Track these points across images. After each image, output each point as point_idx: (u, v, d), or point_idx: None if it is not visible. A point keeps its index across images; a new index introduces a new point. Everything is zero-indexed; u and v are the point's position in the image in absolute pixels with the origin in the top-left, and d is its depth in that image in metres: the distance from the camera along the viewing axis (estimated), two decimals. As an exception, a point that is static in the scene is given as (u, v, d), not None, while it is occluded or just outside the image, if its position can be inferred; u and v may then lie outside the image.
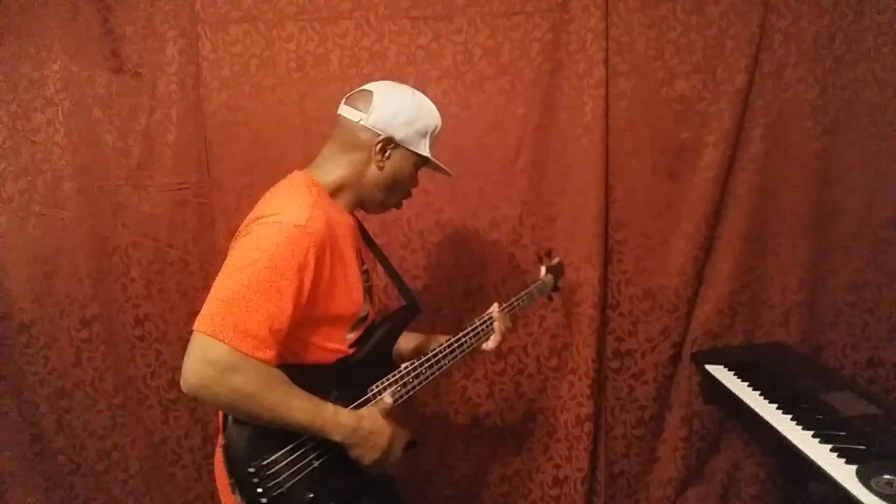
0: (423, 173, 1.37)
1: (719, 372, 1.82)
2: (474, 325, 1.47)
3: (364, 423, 1.16)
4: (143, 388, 2.00)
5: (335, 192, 1.26)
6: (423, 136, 1.29)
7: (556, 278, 1.77)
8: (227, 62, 1.88)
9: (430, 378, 1.36)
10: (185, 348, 1.04)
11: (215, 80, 1.88)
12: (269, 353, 1.07)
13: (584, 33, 1.85)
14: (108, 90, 1.88)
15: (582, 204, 1.91)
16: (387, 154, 1.26)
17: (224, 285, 1.07)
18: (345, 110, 1.28)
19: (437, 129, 1.33)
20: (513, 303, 1.56)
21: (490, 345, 1.47)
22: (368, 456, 1.17)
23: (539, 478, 2.09)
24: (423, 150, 1.30)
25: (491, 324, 1.48)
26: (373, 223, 1.95)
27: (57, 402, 1.97)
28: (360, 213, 1.38)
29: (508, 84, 1.90)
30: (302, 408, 1.10)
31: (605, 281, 1.96)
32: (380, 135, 1.24)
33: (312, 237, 1.11)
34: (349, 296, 1.24)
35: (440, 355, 1.37)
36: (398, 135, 1.25)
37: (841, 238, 1.91)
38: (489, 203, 1.95)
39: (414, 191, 1.95)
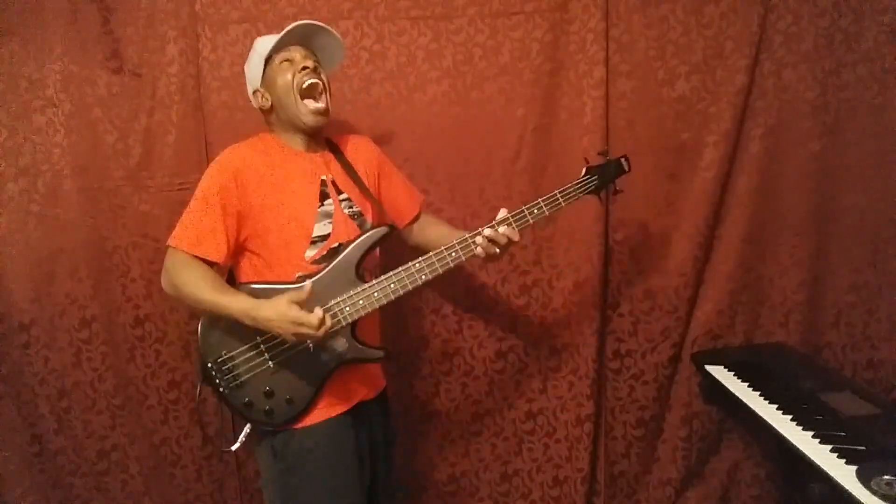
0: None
1: (719, 372, 1.82)
2: (463, 238, 1.44)
3: (261, 312, 1.33)
4: (143, 389, 2.00)
5: (286, 141, 1.53)
6: (259, 63, 1.51)
7: (608, 179, 1.52)
8: (227, 62, 1.88)
9: (402, 288, 1.42)
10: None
11: (215, 80, 1.88)
12: (204, 250, 1.40)
13: (584, 33, 1.85)
14: (108, 90, 1.88)
15: (582, 204, 1.90)
16: (260, 97, 1.53)
17: (183, 214, 1.44)
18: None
19: (260, 44, 1.53)
20: (523, 211, 1.46)
21: (480, 251, 1.45)
22: (285, 337, 1.35)
23: (539, 478, 2.09)
24: (261, 65, 1.50)
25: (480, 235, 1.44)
26: (373, 223, 1.95)
27: (57, 403, 1.96)
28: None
29: (508, 84, 1.90)
30: (211, 297, 1.37)
31: (605, 281, 1.96)
32: (252, 100, 1.57)
33: (232, 165, 1.44)
34: (292, 214, 1.45)
35: (412, 268, 1.43)
36: (252, 86, 1.55)
37: (841, 238, 1.91)
38: (489, 203, 1.95)
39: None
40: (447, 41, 1.88)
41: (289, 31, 1.49)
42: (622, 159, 1.54)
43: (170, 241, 1.42)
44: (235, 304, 1.37)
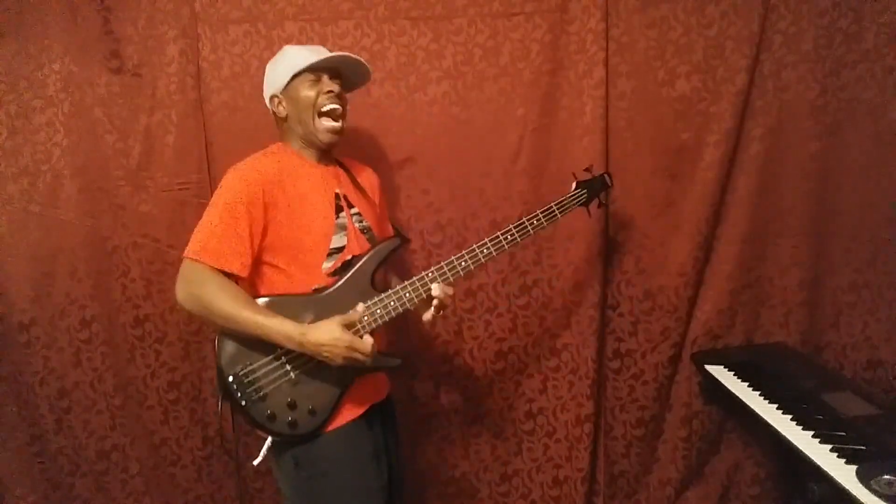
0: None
1: (719, 372, 1.82)
2: (472, 249, 1.52)
3: (309, 337, 1.32)
4: (143, 389, 2.00)
5: (300, 151, 1.52)
6: (286, 73, 1.49)
7: (595, 193, 1.66)
8: (227, 62, 1.88)
9: (417, 297, 1.46)
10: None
11: (215, 80, 1.88)
12: (232, 266, 1.36)
13: (584, 34, 1.85)
14: (108, 90, 1.88)
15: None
16: (278, 103, 1.51)
17: (200, 222, 1.39)
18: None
19: (290, 56, 1.51)
20: (523, 222, 1.56)
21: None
22: (332, 362, 1.35)
23: (539, 478, 2.09)
24: (288, 76, 1.48)
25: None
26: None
27: (57, 403, 1.96)
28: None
29: (508, 84, 1.90)
30: (249, 318, 1.33)
31: (605, 281, 1.96)
32: (269, 104, 1.54)
33: (258, 177, 1.41)
34: (313, 225, 1.45)
35: (426, 277, 1.48)
36: (270, 91, 1.53)
37: (841, 238, 1.91)
38: (489, 203, 1.95)
39: (414, 192, 1.96)
40: (447, 41, 1.88)
41: (327, 59, 1.49)
42: (606, 175, 1.68)
43: (190, 253, 1.36)
44: (279, 326, 1.33)
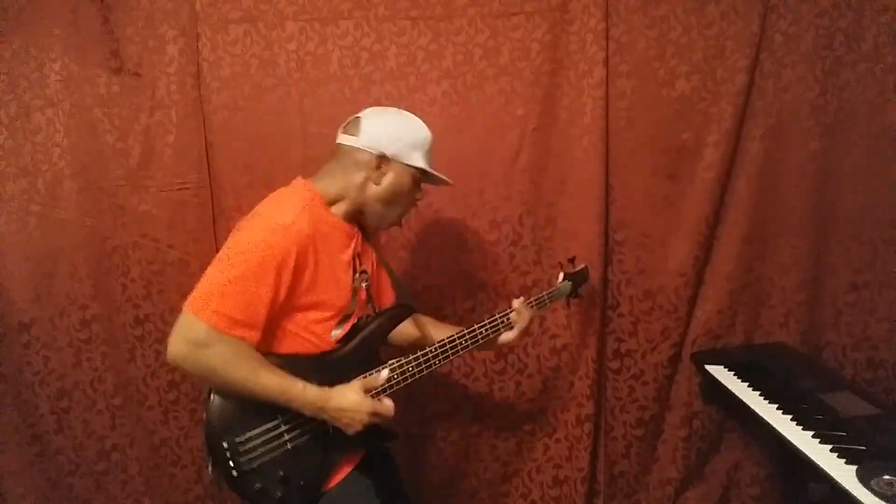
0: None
1: (719, 372, 1.82)
2: (472, 329, 1.51)
3: (332, 402, 1.26)
4: (143, 389, 2.00)
5: (332, 202, 1.36)
6: (415, 148, 1.39)
7: (577, 285, 1.78)
8: (227, 62, 1.88)
9: (419, 374, 1.42)
10: None
11: (215, 80, 1.88)
12: (245, 333, 1.21)
13: (584, 33, 1.85)
14: (108, 90, 1.88)
15: (582, 204, 1.91)
16: (382, 170, 1.36)
17: (214, 271, 1.22)
18: (341, 137, 1.39)
19: (428, 141, 1.42)
20: (532, 302, 1.61)
21: (510, 336, 1.55)
22: (350, 429, 1.28)
23: (539, 478, 2.09)
24: (418, 162, 1.39)
25: (503, 321, 1.55)
26: (373, 223, 1.95)
27: (57, 403, 1.96)
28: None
29: (508, 84, 1.89)
30: (270, 383, 1.22)
31: (605, 281, 1.96)
32: (372, 152, 1.35)
33: (295, 237, 1.24)
34: (332, 292, 1.34)
35: (429, 355, 1.43)
36: (389, 150, 1.36)
37: (841, 238, 1.90)
38: (489, 203, 1.95)
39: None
40: (447, 41, 1.88)
41: (444, 181, 1.45)
42: (586, 268, 1.82)
43: (196, 310, 1.19)
44: (301, 391, 1.24)
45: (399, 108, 1.89)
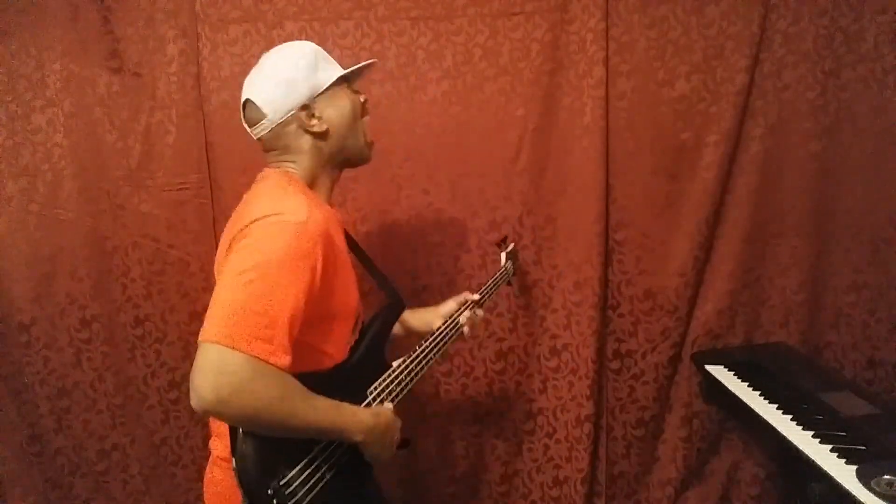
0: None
1: (719, 372, 1.82)
2: (453, 317, 1.50)
3: (380, 420, 1.16)
4: (143, 388, 2.00)
5: (311, 184, 1.21)
6: (314, 70, 1.20)
7: (514, 264, 1.82)
8: (227, 62, 1.88)
9: (422, 371, 1.38)
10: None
11: (215, 80, 1.88)
12: (286, 359, 1.00)
13: (584, 33, 1.85)
14: (108, 90, 1.88)
15: (582, 204, 1.91)
16: (315, 114, 1.19)
17: (231, 290, 0.98)
18: (256, 130, 1.22)
19: (318, 52, 1.24)
20: (483, 292, 1.61)
21: (466, 330, 1.51)
22: (385, 452, 1.18)
23: (539, 478, 2.09)
24: (330, 76, 1.21)
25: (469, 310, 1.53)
26: (372, 223, 1.95)
27: (57, 402, 1.96)
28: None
29: (508, 84, 1.89)
30: (324, 409, 1.06)
31: (605, 281, 1.96)
32: (291, 113, 1.18)
33: (316, 233, 1.06)
34: (348, 292, 1.20)
35: (427, 349, 1.40)
36: (298, 97, 1.18)
37: (841, 238, 1.91)
38: (489, 203, 1.95)
39: (414, 192, 1.96)
40: (447, 41, 1.88)
41: (363, 66, 1.28)
42: (515, 245, 1.88)
43: (234, 343, 0.93)
44: (354, 416, 1.10)
45: (397, 107, 1.90)
